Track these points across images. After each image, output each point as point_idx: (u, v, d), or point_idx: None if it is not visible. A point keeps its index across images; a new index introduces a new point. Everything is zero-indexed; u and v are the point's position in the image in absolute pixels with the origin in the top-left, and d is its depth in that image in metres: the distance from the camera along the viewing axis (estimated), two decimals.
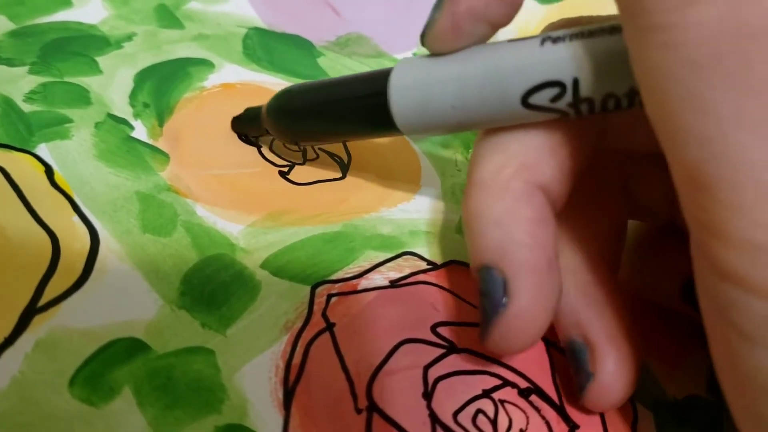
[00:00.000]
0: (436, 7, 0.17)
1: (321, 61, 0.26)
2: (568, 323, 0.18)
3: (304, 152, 0.23)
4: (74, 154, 0.20)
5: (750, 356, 0.13)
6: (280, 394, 0.17)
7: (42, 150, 0.20)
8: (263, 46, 0.26)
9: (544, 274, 0.17)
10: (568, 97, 0.16)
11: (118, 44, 0.24)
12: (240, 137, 0.23)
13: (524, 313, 0.17)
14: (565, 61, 0.15)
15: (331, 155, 0.23)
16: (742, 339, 0.13)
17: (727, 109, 0.12)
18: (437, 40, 0.17)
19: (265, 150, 0.23)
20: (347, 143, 0.24)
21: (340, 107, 0.20)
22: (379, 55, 0.28)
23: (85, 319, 0.17)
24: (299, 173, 0.22)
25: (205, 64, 0.25)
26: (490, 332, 0.17)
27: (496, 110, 0.17)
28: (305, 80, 0.25)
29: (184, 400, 0.16)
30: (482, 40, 0.17)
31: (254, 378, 0.17)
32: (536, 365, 0.19)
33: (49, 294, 0.17)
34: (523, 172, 0.17)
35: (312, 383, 0.17)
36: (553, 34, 0.16)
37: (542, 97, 0.16)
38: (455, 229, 0.22)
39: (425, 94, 0.17)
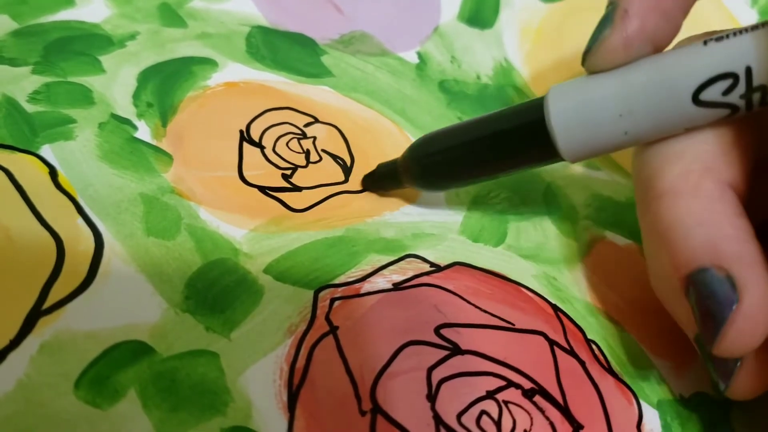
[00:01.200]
0: (605, 26, 0.18)
1: (325, 59, 0.26)
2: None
3: (307, 154, 0.23)
4: (78, 155, 0.20)
5: None
6: (285, 397, 0.17)
7: (46, 151, 0.20)
8: (267, 44, 0.26)
9: (764, 264, 0.16)
10: (741, 87, 0.16)
11: (121, 43, 0.24)
12: (243, 139, 0.23)
13: (759, 303, 0.16)
14: (736, 53, 0.16)
15: (335, 158, 0.23)
16: None
17: None
18: (605, 58, 0.17)
19: (268, 152, 0.23)
20: (349, 147, 0.24)
21: (492, 145, 0.20)
22: (383, 54, 0.27)
23: (90, 322, 0.17)
24: (302, 176, 0.22)
25: (209, 63, 0.25)
26: (725, 334, 0.16)
27: (667, 113, 0.17)
28: (315, 78, 0.25)
29: (189, 402, 0.16)
30: (642, 58, 0.18)
31: (258, 381, 0.17)
32: (540, 366, 0.19)
33: (53, 297, 0.17)
34: (709, 174, 0.17)
35: (316, 386, 0.17)
36: (712, 36, 0.16)
37: (714, 92, 0.16)
38: (458, 231, 0.22)
39: (589, 112, 0.17)
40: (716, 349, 0.16)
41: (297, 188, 0.22)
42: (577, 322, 0.21)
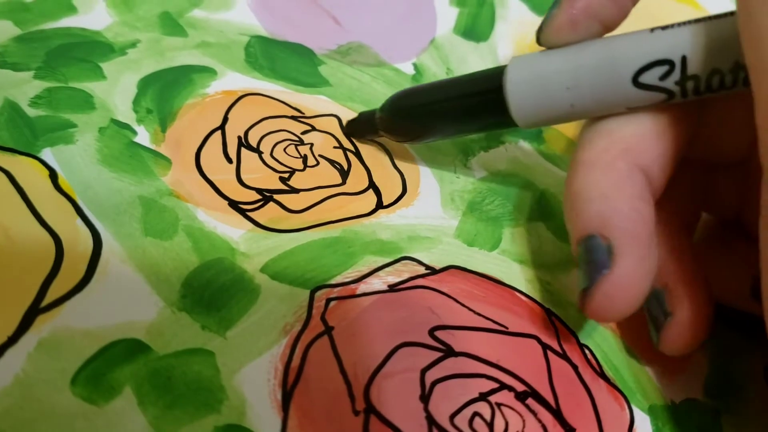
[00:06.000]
0: (555, 5, 0.19)
1: (322, 69, 0.27)
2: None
3: (305, 159, 0.23)
4: (78, 158, 0.21)
5: None
6: (279, 396, 0.17)
7: (46, 154, 0.21)
8: (265, 53, 0.27)
9: (645, 244, 0.18)
10: (676, 74, 0.17)
11: (122, 51, 0.25)
12: (241, 145, 0.23)
13: (628, 275, 0.18)
14: (674, 42, 0.17)
15: (332, 162, 0.24)
16: None
17: None
18: (554, 34, 0.19)
19: (266, 157, 0.23)
20: (360, 151, 0.24)
21: (456, 104, 0.21)
22: (379, 64, 0.28)
23: (87, 320, 0.17)
24: (300, 179, 0.23)
25: (208, 71, 0.25)
26: (593, 295, 0.18)
27: (608, 90, 0.18)
28: (312, 88, 0.26)
29: (184, 400, 0.16)
30: (593, 37, 0.19)
31: (253, 379, 0.17)
32: (533, 369, 0.19)
33: (52, 295, 0.17)
34: (627, 154, 0.18)
35: (310, 385, 0.17)
36: (662, 25, 0.18)
37: (652, 76, 0.17)
38: (453, 235, 0.22)
39: (541, 83, 0.19)
40: (585, 311, 0.18)
41: (294, 190, 0.22)
42: (570, 326, 0.21)
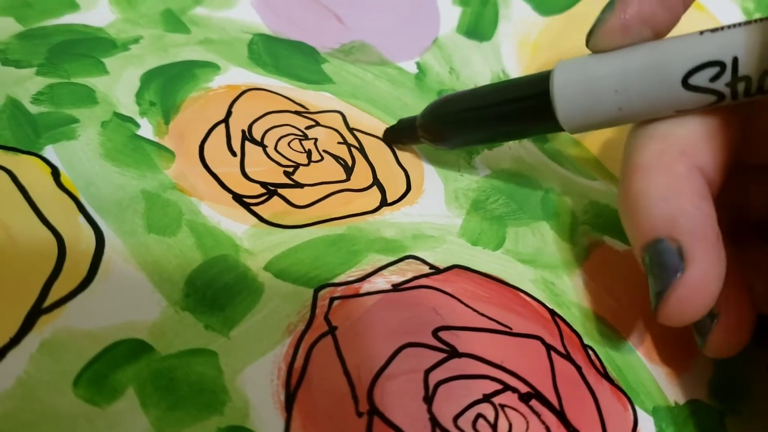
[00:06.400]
0: (607, 9, 0.19)
1: (325, 67, 0.27)
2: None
3: (309, 154, 0.23)
4: (80, 154, 0.21)
5: None
6: (282, 397, 0.17)
7: (49, 152, 0.20)
8: (268, 51, 0.26)
9: (714, 243, 0.18)
10: (727, 75, 0.17)
11: (124, 47, 0.24)
12: (245, 138, 0.23)
13: (702, 277, 0.17)
14: (725, 43, 0.17)
15: (336, 158, 0.23)
16: None
17: None
18: (605, 39, 0.19)
19: (270, 150, 0.23)
20: (364, 147, 0.24)
21: (501, 110, 0.21)
22: (382, 63, 0.28)
23: (90, 321, 0.17)
24: (304, 174, 0.22)
25: (211, 66, 0.25)
26: (667, 301, 0.18)
27: (657, 93, 0.18)
28: (316, 84, 0.26)
29: (187, 401, 0.16)
30: (643, 41, 0.19)
31: (256, 380, 0.17)
32: (537, 370, 0.19)
33: (54, 295, 0.17)
34: (683, 157, 0.18)
35: (314, 386, 0.17)
36: (710, 28, 0.18)
37: (702, 78, 0.17)
38: (457, 234, 0.22)
39: (588, 86, 0.19)
40: (659, 316, 0.18)
41: (299, 185, 0.22)
42: (574, 327, 0.21)
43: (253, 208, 0.21)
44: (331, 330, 0.18)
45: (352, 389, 0.17)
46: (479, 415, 0.18)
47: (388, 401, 0.17)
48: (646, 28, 0.19)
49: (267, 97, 0.25)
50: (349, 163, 0.24)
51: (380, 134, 0.25)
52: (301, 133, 0.24)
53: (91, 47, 0.24)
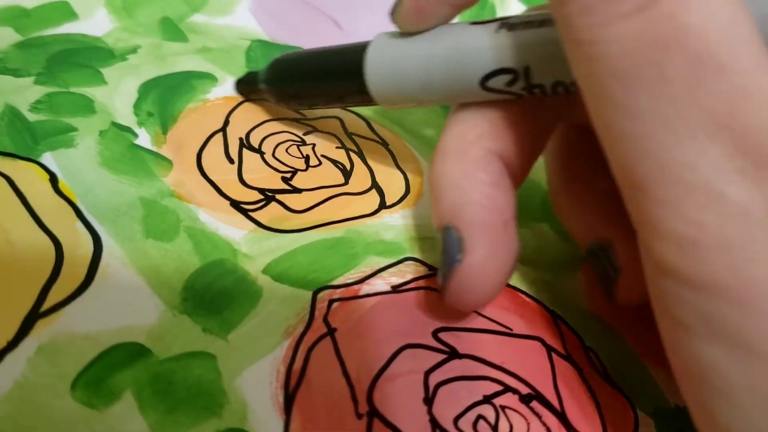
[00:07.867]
0: None
1: None
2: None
3: (307, 159, 0.23)
4: (78, 161, 0.21)
5: (689, 346, 0.14)
6: (281, 399, 0.17)
7: (47, 159, 0.20)
8: (266, 58, 0.27)
9: (498, 233, 0.18)
10: (522, 82, 0.17)
11: (122, 56, 0.25)
12: (243, 146, 0.23)
13: (477, 267, 0.18)
14: (517, 51, 0.17)
15: (334, 162, 0.23)
16: (681, 330, 0.14)
17: (650, 114, 0.13)
18: (403, 21, 0.19)
19: (268, 157, 0.23)
20: (363, 151, 0.24)
21: (322, 76, 0.22)
22: None
23: (88, 324, 0.17)
24: (302, 179, 0.22)
25: (209, 78, 0.25)
26: (446, 286, 0.18)
27: (459, 88, 0.18)
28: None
29: (185, 404, 0.16)
30: (447, 20, 0.19)
31: (255, 383, 0.17)
32: (538, 371, 0.19)
33: (51, 299, 0.17)
34: (480, 140, 0.18)
35: (313, 388, 0.17)
36: (510, 19, 0.17)
37: (499, 82, 0.17)
38: None
39: (397, 68, 0.19)
40: (444, 301, 0.18)
41: (297, 190, 0.22)
42: (575, 328, 0.21)
43: (251, 213, 0.21)
44: (331, 332, 0.18)
45: (351, 391, 0.17)
46: (480, 417, 0.18)
47: (388, 403, 0.17)
48: (444, 6, 0.18)
49: (264, 107, 0.25)
50: (348, 167, 0.24)
51: (379, 140, 0.25)
52: (299, 139, 0.24)
53: (89, 57, 0.24)
